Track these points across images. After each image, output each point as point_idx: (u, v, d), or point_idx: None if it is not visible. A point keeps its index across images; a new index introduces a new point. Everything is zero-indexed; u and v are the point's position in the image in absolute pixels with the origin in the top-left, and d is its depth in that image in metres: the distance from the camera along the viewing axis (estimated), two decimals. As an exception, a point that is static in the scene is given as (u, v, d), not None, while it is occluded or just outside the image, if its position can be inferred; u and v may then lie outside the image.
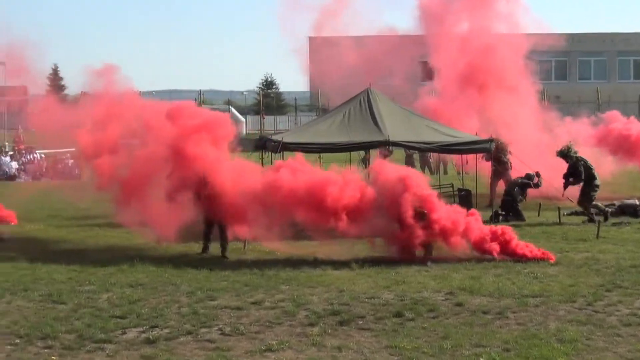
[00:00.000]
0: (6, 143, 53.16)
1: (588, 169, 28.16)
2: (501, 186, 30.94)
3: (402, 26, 40.78)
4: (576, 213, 30.19)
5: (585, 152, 30.02)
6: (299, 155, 23.13)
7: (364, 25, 38.93)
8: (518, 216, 28.93)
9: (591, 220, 27.38)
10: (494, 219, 27.67)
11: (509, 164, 31.37)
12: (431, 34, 37.00)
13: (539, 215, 29.81)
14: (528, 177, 29.95)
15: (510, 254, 21.06)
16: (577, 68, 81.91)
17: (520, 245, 21.30)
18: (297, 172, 21.80)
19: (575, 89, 75.96)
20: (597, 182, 28.39)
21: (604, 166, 33.27)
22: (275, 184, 21.35)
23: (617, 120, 37.90)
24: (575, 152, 28.39)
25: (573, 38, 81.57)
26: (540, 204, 30.54)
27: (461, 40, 36.02)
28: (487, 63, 34.51)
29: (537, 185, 30.11)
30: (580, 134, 34.79)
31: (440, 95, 36.19)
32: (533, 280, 18.91)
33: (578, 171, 27.91)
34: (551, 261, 20.93)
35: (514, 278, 19.16)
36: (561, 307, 16.59)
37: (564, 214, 29.27)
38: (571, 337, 14.44)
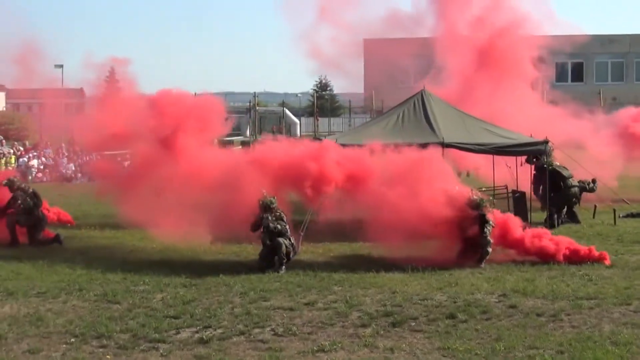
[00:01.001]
0: (63, 145, 53.69)
1: (562, 179, 28.43)
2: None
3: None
4: (632, 215, 29.96)
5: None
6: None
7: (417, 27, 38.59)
8: (573, 219, 28.71)
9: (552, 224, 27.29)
10: (549, 221, 27.46)
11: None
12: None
13: (594, 217, 29.57)
14: (583, 181, 29.74)
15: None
16: (635, 69, 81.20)
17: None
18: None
19: (633, 89, 75.33)
20: (571, 190, 28.58)
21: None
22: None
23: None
24: (550, 164, 28.50)
25: (631, 39, 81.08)
26: (595, 205, 30.29)
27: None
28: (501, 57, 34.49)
29: (592, 190, 29.91)
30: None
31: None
32: (587, 283, 18.77)
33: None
34: (606, 263, 20.76)
35: (568, 280, 19.03)
36: (616, 309, 16.45)
37: (619, 216, 29.05)
38: (625, 339, 14.32)
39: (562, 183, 28.53)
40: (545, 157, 28.13)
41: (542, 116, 32.82)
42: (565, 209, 28.70)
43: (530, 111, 32.73)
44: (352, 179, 22.68)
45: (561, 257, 20.96)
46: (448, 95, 31.74)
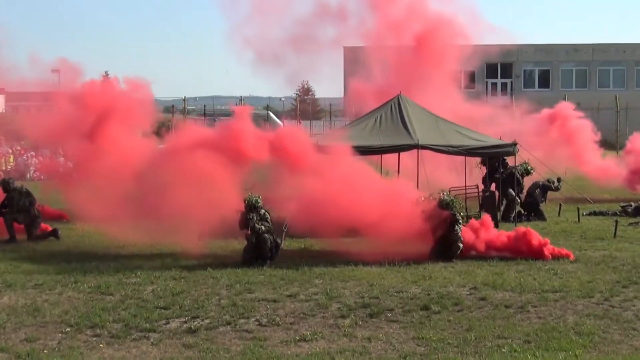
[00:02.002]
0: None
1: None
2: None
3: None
4: (595, 213, 30.10)
5: None
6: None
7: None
8: (540, 216, 28.82)
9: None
10: (516, 219, 27.56)
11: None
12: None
13: (559, 215, 29.68)
14: (549, 180, 29.88)
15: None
16: (597, 76, 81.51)
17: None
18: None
19: (595, 96, 75.61)
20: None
21: None
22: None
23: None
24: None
25: (594, 48, 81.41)
26: (560, 204, 30.42)
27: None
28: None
29: (557, 189, 30.04)
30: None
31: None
32: (553, 277, 18.84)
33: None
34: (570, 259, 20.84)
35: (535, 274, 19.09)
36: (579, 302, 16.51)
37: (582, 214, 29.16)
38: (589, 330, 14.39)
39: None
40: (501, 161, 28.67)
41: (462, 115, 32.74)
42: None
43: (454, 108, 32.53)
44: (282, 152, 22.50)
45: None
46: (376, 91, 31.93)
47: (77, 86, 25.42)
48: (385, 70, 36.60)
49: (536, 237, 21.27)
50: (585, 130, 39.33)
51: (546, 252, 20.95)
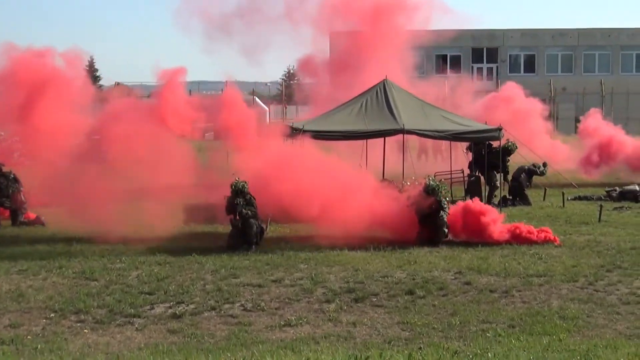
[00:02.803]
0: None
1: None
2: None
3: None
4: (580, 198, 30.18)
5: None
6: None
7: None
8: (525, 201, 28.86)
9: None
10: (502, 204, 27.59)
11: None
12: None
13: (544, 199, 29.73)
14: (534, 165, 29.92)
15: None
16: (583, 61, 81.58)
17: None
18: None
19: (581, 80, 75.73)
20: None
21: None
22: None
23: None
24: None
25: (579, 32, 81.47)
26: (545, 188, 30.47)
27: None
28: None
29: (543, 173, 30.08)
30: None
31: None
32: (537, 261, 18.87)
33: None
34: (555, 243, 20.87)
35: (520, 259, 19.12)
36: (564, 286, 16.55)
37: (567, 199, 29.22)
38: (573, 314, 14.43)
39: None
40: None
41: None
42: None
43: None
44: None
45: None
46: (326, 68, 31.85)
47: (6, 62, 24.48)
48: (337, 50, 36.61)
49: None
50: (534, 112, 39.15)
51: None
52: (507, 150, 29.04)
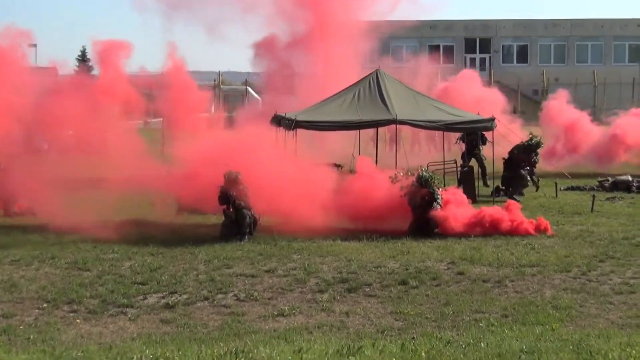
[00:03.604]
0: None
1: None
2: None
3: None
4: (572, 188, 30.22)
5: None
6: None
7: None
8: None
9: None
10: (494, 194, 27.61)
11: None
12: None
13: (537, 190, 29.74)
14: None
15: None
16: (575, 51, 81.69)
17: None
18: None
19: (573, 71, 75.84)
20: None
21: None
22: None
23: None
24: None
25: (572, 23, 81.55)
26: (538, 178, 30.48)
27: None
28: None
29: (534, 163, 30.06)
30: None
31: None
32: (530, 251, 18.89)
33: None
34: (548, 233, 20.89)
35: (513, 249, 19.13)
36: (556, 276, 16.57)
37: (560, 189, 29.27)
38: (566, 304, 14.43)
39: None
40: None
41: None
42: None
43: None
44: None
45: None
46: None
47: None
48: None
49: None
50: (490, 99, 36.73)
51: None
52: (534, 146, 28.84)
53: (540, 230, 20.97)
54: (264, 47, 37.77)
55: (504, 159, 28.37)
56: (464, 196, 22.61)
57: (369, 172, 22.75)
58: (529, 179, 28.49)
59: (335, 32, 34.60)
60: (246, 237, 20.17)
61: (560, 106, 38.98)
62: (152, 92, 26.53)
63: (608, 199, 27.63)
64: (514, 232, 20.78)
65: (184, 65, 27.96)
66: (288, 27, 36.74)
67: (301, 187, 21.29)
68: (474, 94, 36.19)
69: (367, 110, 26.44)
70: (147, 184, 22.46)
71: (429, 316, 13.85)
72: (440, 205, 21.08)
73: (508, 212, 21.40)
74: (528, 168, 28.44)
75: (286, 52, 36.70)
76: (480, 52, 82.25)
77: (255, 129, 23.90)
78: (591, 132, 37.36)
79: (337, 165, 25.68)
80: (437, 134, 33.57)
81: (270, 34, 37.67)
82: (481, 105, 29.19)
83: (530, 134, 28.99)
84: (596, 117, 43.05)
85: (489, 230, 20.90)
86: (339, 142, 31.05)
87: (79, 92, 22.25)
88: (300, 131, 25.19)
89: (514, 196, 27.11)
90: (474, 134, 29.56)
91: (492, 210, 21.49)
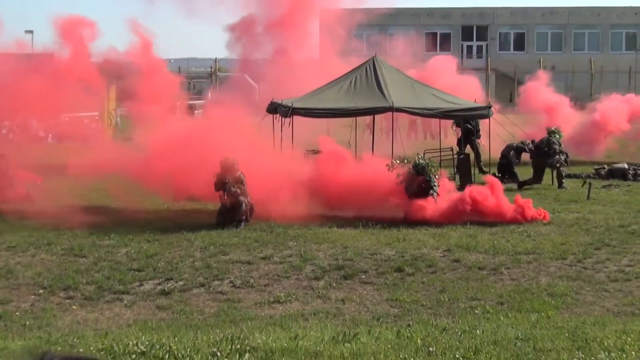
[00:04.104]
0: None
1: None
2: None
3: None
4: (569, 176, 30.18)
5: None
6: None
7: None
8: (514, 178, 28.86)
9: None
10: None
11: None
12: None
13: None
14: (523, 142, 29.93)
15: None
16: (572, 39, 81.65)
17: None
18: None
19: (570, 59, 75.81)
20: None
21: None
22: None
23: None
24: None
25: (569, 11, 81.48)
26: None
27: None
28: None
29: (531, 150, 30.06)
30: None
31: None
32: (526, 239, 18.90)
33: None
34: (545, 221, 20.89)
35: (508, 236, 19.14)
36: (552, 263, 16.59)
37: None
38: (561, 291, 14.47)
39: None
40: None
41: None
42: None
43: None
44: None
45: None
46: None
47: None
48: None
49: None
50: (464, 86, 35.38)
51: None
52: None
53: (524, 216, 20.87)
54: (240, 30, 37.42)
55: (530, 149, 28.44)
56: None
57: (333, 151, 22.87)
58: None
59: (311, 16, 34.32)
60: (242, 224, 20.17)
61: (538, 88, 38.52)
62: (121, 74, 25.88)
63: (604, 186, 27.64)
64: (497, 216, 20.77)
65: (150, 45, 26.85)
66: (264, 10, 36.32)
67: (267, 172, 21.31)
68: (446, 81, 34.57)
69: (363, 98, 26.42)
70: (110, 170, 22.48)
71: (424, 303, 13.88)
72: (437, 193, 21.08)
73: (492, 192, 21.40)
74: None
75: (263, 36, 36.36)
76: (477, 40, 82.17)
77: (221, 115, 23.69)
78: (569, 117, 36.46)
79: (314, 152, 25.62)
80: (434, 121, 33.55)
81: (249, 15, 37.24)
82: (456, 93, 28.86)
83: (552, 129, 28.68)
84: (577, 103, 42.31)
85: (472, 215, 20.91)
86: (337, 129, 30.97)
87: (36, 73, 21.83)
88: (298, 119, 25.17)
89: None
90: (470, 121, 29.57)
91: (476, 192, 21.41)
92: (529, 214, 20.85)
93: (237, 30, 37.64)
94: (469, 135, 30.11)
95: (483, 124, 29.72)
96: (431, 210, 20.75)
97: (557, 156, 27.69)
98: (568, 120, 35.50)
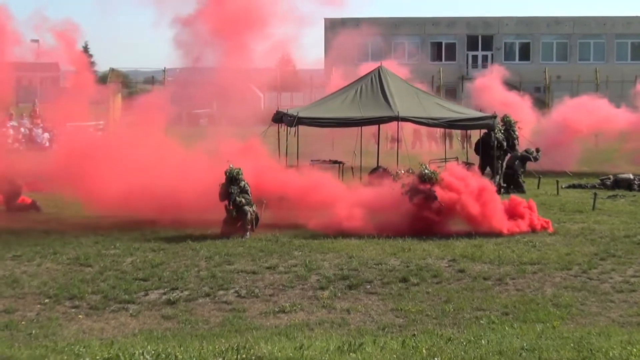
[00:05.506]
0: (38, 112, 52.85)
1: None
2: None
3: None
4: (574, 186, 30.24)
5: None
6: None
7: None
8: (519, 188, 28.90)
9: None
10: (497, 192, 27.59)
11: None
12: None
13: (538, 187, 29.78)
14: (527, 151, 29.96)
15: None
16: (578, 49, 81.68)
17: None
18: None
19: (575, 69, 75.82)
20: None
21: None
22: None
23: None
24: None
25: (575, 21, 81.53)
26: (539, 176, 30.51)
27: None
28: None
29: (536, 159, 30.13)
30: None
31: None
32: (531, 249, 18.90)
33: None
34: (549, 231, 20.90)
35: (514, 246, 19.15)
36: (557, 274, 16.59)
37: (561, 187, 29.27)
38: (566, 302, 14.47)
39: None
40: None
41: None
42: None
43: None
44: None
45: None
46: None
47: None
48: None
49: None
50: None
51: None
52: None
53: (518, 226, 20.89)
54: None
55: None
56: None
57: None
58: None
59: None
60: (247, 233, 20.20)
61: (490, 84, 38.13)
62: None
63: (609, 196, 27.63)
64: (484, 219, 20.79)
65: (74, 45, 26.54)
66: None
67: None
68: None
69: (369, 107, 26.49)
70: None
71: (429, 313, 13.89)
72: (442, 204, 21.03)
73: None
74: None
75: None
76: (482, 50, 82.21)
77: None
78: (527, 117, 36.00)
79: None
80: (439, 131, 33.61)
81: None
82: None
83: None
84: (538, 103, 41.66)
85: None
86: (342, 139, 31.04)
87: None
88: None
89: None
90: (488, 138, 29.17)
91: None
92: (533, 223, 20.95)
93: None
94: (488, 150, 29.67)
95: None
96: (437, 221, 20.76)
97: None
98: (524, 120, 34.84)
